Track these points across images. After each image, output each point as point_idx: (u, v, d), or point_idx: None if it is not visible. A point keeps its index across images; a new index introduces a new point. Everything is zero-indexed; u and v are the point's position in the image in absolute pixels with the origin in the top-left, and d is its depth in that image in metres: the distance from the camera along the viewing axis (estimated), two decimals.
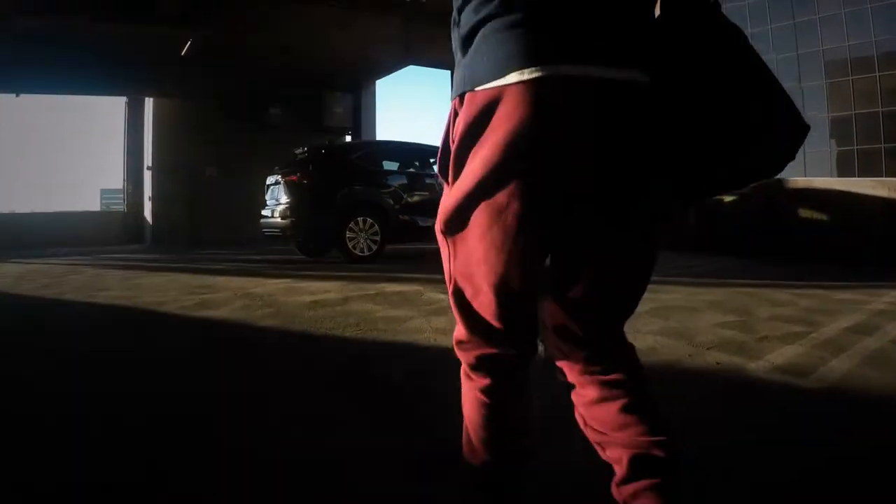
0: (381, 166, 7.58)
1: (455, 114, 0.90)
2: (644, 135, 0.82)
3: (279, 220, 6.73)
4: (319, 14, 9.24)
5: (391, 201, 7.08)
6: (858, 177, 29.92)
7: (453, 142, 0.90)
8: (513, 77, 0.79)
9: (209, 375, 2.57)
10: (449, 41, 0.94)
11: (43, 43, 9.31)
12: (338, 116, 12.81)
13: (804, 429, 1.93)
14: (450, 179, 0.92)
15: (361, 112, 13.04)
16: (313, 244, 7.35)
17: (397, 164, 7.67)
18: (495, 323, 0.94)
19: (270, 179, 7.20)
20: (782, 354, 2.76)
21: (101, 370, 2.63)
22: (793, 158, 0.82)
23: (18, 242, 11.11)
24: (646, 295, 0.99)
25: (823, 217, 6.69)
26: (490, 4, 0.82)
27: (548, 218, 0.85)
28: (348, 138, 13.45)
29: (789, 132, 0.81)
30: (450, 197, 0.91)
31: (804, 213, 6.78)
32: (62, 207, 31.29)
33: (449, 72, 10.74)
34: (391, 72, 12.18)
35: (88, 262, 8.13)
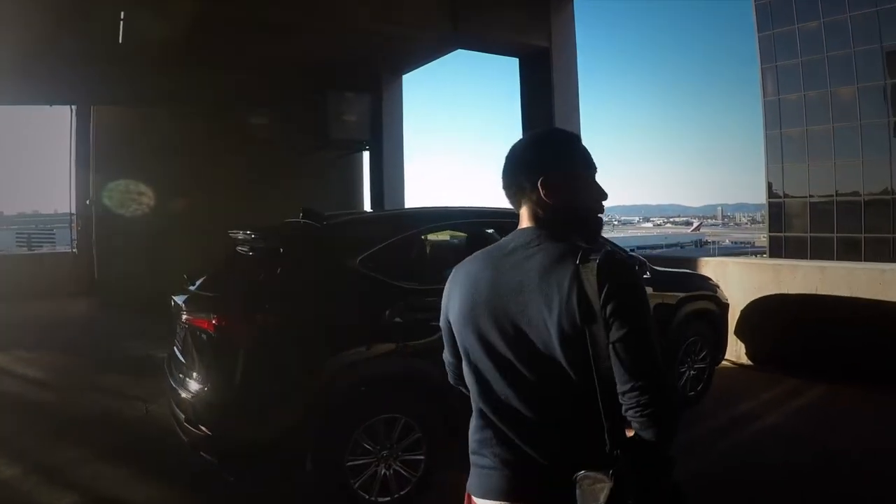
0: (430, 277, 3.14)
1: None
2: None
3: (184, 421, 2.76)
4: None
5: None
6: None
7: None
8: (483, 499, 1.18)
9: None
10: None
11: None
12: (349, 126, 9.17)
13: None
14: None
15: (383, 119, 9.42)
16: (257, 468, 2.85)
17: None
18: None
19: (177, 299, 3.13)
20: None
21: None
22: None
23: None
24: None
25: None
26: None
27: None
28: (366, 156, 9.89)
29: None
30: None
31: None
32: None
33: (518, 59, 7.14)
34: (428, 60, 8.59)
35: None
